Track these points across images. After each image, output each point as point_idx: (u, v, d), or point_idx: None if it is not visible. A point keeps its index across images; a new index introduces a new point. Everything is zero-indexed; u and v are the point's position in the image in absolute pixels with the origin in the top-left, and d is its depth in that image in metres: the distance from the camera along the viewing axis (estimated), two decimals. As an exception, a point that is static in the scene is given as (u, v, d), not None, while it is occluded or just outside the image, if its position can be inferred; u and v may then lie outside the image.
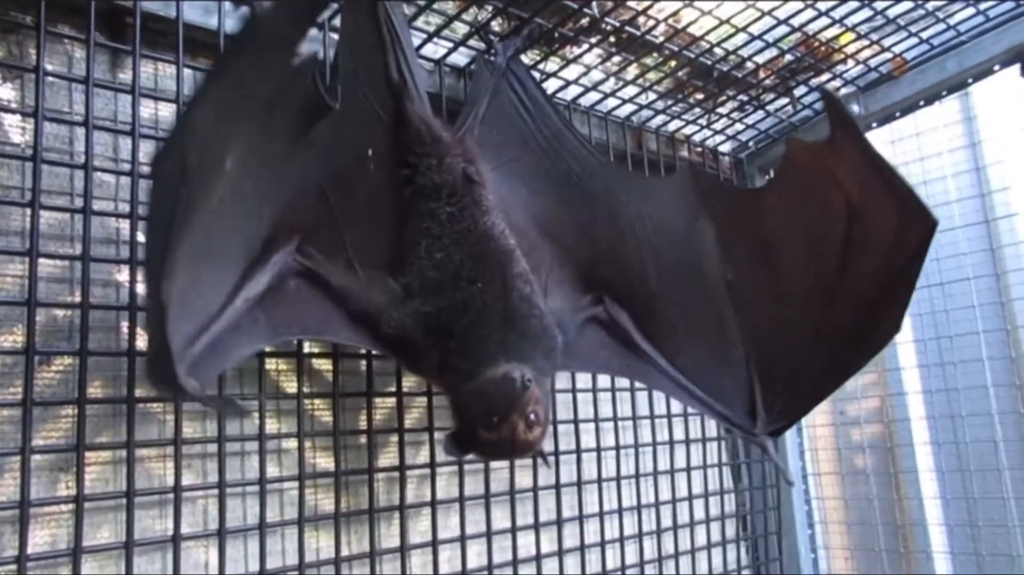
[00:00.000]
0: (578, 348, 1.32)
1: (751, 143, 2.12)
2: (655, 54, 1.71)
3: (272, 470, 1.26)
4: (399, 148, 1.23)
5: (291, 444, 1.29)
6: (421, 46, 1.48)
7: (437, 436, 1.42)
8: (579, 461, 1.64)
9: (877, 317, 1.15)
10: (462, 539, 1.44)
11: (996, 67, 1.76)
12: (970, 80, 1.81)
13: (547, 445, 1.33)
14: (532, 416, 1.12)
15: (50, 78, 1.14)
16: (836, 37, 1.73)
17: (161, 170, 0.85)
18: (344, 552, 1.29)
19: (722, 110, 1.94)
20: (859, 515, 2.15)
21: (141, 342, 1.15)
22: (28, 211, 1.06)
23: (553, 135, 1.44)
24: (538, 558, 1.54)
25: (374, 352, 1.34)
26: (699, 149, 2.05)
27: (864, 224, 1.11)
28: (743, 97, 1.90)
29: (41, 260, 1.07)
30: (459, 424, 1.19)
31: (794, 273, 1.25)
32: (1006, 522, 1.90)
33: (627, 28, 1.55)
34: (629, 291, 1.38)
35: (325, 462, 1.33)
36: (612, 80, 1.76)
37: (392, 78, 1.23)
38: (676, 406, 1.87)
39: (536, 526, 1.54)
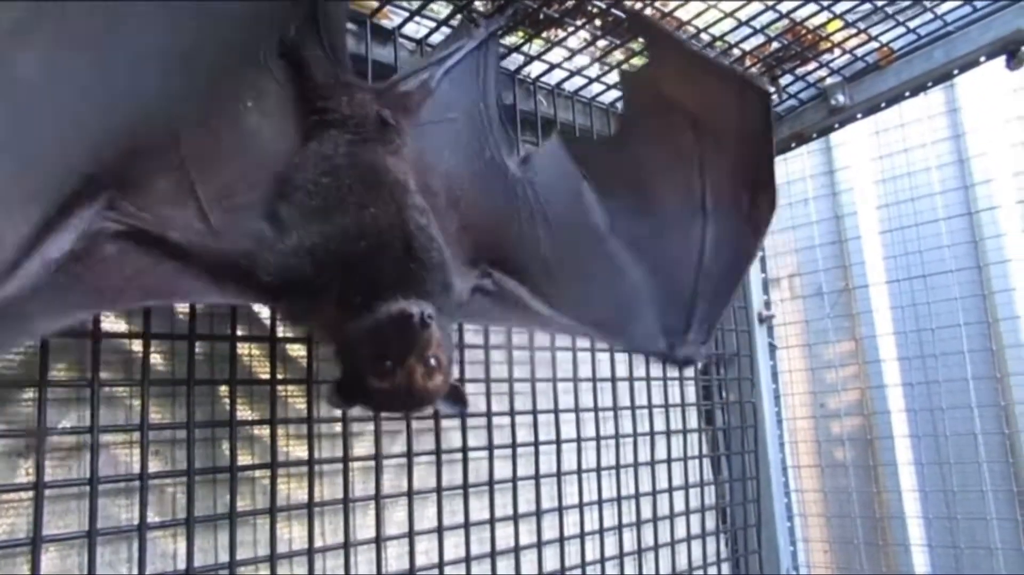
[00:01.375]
0: (471, 307, 1.25)
1: (735, 132, 2.09)
2: (640, 39, 1.68)
3: (243, 458, 1.22)
4: (303, 103, 1.11)
5: (263, 431, 1.25)
6: (402, 25, 1.45)
7: (415, 425, 1.39)
8: (559, 451, 1.61)
9: (752, 200, 1.18)
10: (439, 530, 1.40)
11: (982, 58, 1.75)
12: (956, 71, 1.80)
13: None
14: (432, 361, 1.00)
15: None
16: (824, 25, 1.71)
17: None
18: (318, 543, 1.26)
19: (707, 98, 1.92)
20: (838, 508, 2.14)
21: (107, 323, 1.11)
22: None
23: (489, 115, 1.38)
24: (517, 550, 1.51)
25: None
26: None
27: (707, 124, 1.16)
28: (728, 85, 1.88)
29: (1, 236, 1.02)
30: (345, 370, 1.05)
31: (665, 194, 1.28)
32: (985, 515, 1.90)
33: (613, 10, 1.52)
34: (522, 261, 1.32)
35: (298, 450, 1.29)
36: (597, 65, 1.73)
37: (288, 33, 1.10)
38: (658, 397, 1.85)
39: (515, 517, 1.52)
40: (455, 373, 1.13)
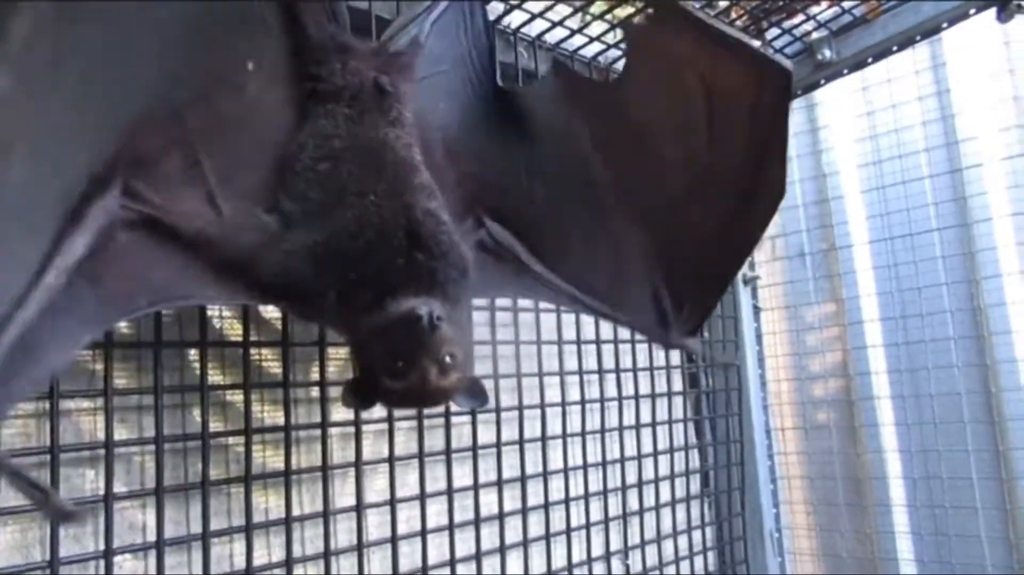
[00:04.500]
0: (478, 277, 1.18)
1: (719, 89, 2.04)
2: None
3: (216, 425, 1.16)
4: (297, 61, 1.05)
5: (236, 397, 1.19)
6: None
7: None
8: (543, 417, 1.57)
9: (760, 181, 1.09)
10: (421, 497, 1.36)
11: (972, 11, 1.71)
12: (945, 24, 1.75)
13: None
14: (447, 359, 0.96)
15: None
16: (812, -26, 1.66)
17: None
18: (296, 512, 1.20)
19: (691, 52, 1.86)
20: (820, 470, 2.13)
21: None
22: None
23: (480, 60, 1.32)
24: (501, 516, 1.47)
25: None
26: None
27: (722, 92, 1.05)
28: (713, 39, 1.83)
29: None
30: (359, 370, 1.04)
31: (670, 161, 1.16)
32: (969, 475, 1.89)
33: (597, -44, 1.46)
34: (516, 212, 1.27)
35: (274, 416, 1.23)
36: (579, 17, 1.66)
37: None
38: (642, 360, 1.81)
39: (499, 483, 1.47)
40: (472, 367, 1.09)
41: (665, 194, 1.19)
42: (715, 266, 1.22)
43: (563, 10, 1.62)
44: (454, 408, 1.38)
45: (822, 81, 1.94)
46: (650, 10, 1.08)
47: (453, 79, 1.28)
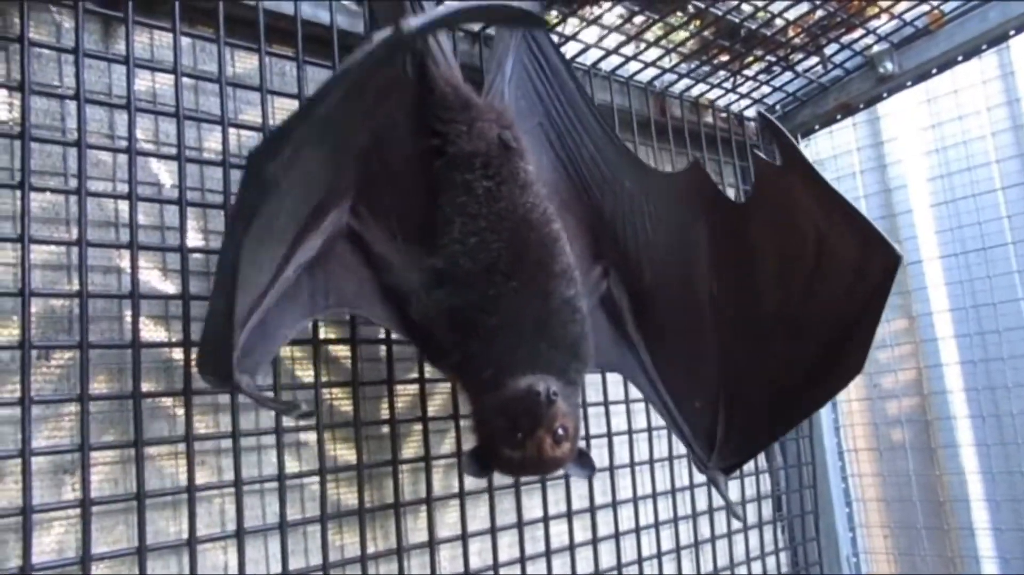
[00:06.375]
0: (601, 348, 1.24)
1: (778, 107, 2.02)
2: (679, 13, 1.61)
3: (291, 465, 1.18)
4: (426, 115, 1.15)
5: (310, 437, 1.21)
6: (433, 9, 1.40)
7: (462, 423, 1.34)
8: (611, 444, 1.56)
9: (839, 353, 1.05)
10: (492, 530, 1.36)
11: (1042, 16, 1.66)
12: (1012, 32, 1.71)
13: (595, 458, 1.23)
14: (560, 431, 1.05)
15: (37, 49, 1.05)
16: (871, -12, 1.63)
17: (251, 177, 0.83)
18: (370, 549, 1.22)
19: (748, 72, 1.85)
20: (897, 492, 2.06)
21: (145, 332, 1.08)
22: (18, 193, 0.97)
23: (569, 103, 1.36)
24: (571, 547, 1.46)
25: (394, 336, 1.27)
26: (724, 114, 1.96)
27: (831, 252, 1.04)
28: (771, 58, 1.81)
29: (34, 246, 0.99)
30: (480, 440, 1.12)
31: (768, 296, 1.16)
32: (1056, 496, 1.82)
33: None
34: (627, 276, 1.31)
35: (347, 455, 1.25)
36: (634, 43, 1.66)
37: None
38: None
39: (569, 514, 1.47)
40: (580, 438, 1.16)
41: (753, 327, 1.17)
42: (771, 420, 1.20)
43: (617, 38, 1.62)
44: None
45: (885, 94, 1.90)
46: (778, 157, 1.07)
47: (549, 130, 1.33)
